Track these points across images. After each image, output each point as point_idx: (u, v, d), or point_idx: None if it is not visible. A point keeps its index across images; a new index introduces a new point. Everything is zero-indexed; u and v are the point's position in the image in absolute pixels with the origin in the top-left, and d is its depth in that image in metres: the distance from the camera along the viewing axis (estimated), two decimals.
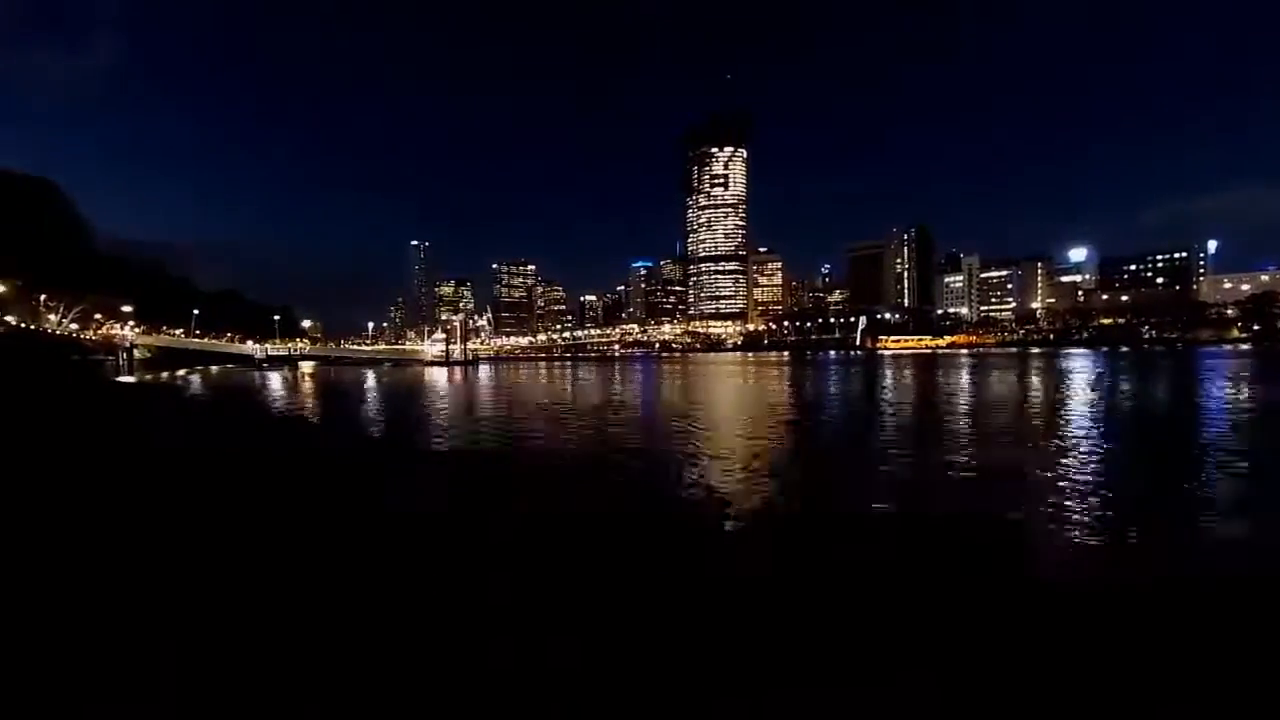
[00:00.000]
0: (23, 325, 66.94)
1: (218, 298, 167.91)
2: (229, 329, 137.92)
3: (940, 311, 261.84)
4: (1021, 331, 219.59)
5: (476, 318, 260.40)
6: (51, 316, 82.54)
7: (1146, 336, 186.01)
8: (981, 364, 76.24)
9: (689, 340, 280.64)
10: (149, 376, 77.03)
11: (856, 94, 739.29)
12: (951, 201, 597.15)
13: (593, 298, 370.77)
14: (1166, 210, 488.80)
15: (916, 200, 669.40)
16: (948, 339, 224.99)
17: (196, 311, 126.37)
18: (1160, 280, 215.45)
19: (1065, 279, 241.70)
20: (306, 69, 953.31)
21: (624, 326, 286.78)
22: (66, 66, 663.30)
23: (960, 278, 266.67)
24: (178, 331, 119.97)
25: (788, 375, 62.72)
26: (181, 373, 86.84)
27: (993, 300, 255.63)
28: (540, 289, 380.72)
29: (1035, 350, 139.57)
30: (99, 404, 38.03)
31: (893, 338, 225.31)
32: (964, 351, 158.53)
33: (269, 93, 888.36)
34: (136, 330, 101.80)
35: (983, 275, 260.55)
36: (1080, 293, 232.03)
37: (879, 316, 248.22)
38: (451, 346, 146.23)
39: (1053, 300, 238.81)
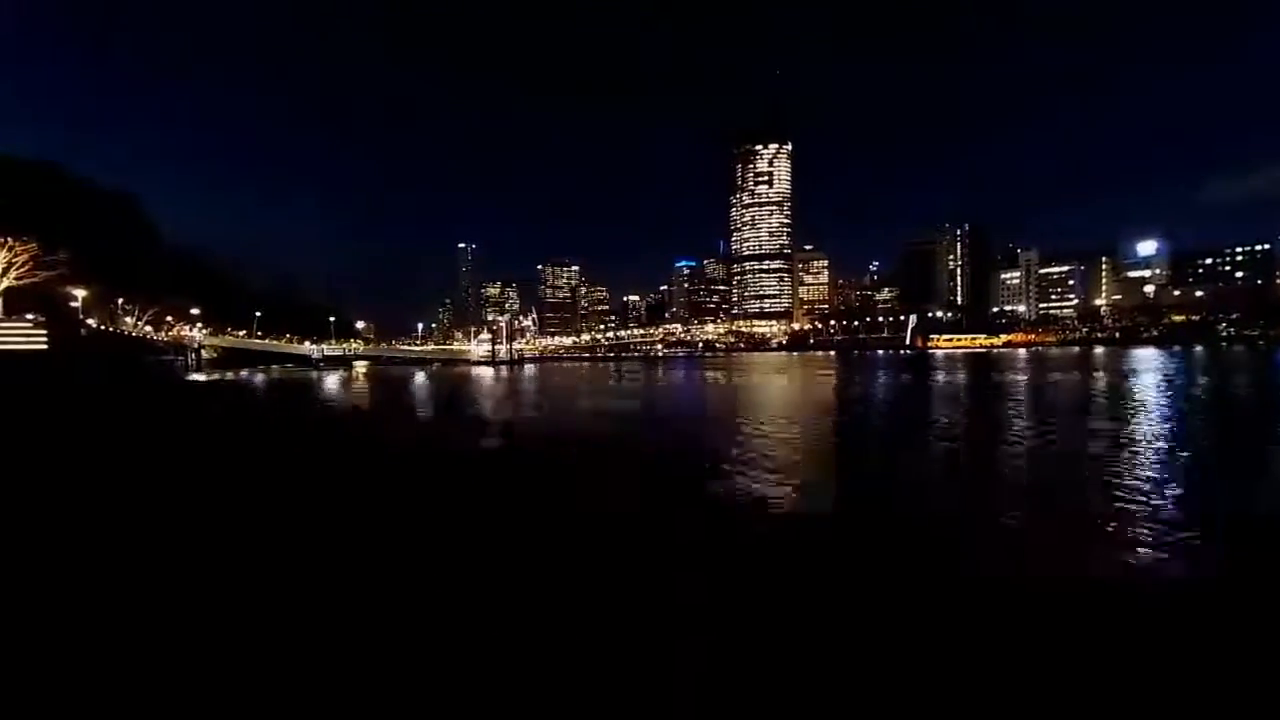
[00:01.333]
0: (103, 327, 71.37)
1: (277, 298, 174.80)
2: (287, 330, 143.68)
3: (996, 309, 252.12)
4: (1085, 330, 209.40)
5: (522, 318, 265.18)
6: (128, 319, 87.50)
7: (1224, 335, 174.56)
8: (1057, 362, 72.27)
9: (732, 340, 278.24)
10: (215, 375, 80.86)
11: (906, 86, 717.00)
12: (1006, 196, 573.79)
13: (636, 297, 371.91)
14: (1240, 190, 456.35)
15: (970, 195, 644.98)
16: (1004, 338, 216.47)
17: (259, 314, 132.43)
18: (1239, 275, 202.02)
19: (1133, 274, 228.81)
20: (363, 74, 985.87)
21: (667, 326, 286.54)
22: (134, 73, 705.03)
23: (1017, 274, 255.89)
24: (240, 333, 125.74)
25: (846, 373, 61.22)
26: (244, 373, 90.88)
27: (1053, 298, 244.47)
28: (584, 289, 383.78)
29: (1101, 350, 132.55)
30: (205, 401, 39.74)
31: (944, 336, 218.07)
32: (1022, 351, 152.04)
33: (329, 100, 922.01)
34: (204, 332, 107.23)
35: (1042, 271, 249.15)
36: (1150, 288, 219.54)
37: (930, 315, 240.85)
38: (497, 346, 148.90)
39: (1119, 297, 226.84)
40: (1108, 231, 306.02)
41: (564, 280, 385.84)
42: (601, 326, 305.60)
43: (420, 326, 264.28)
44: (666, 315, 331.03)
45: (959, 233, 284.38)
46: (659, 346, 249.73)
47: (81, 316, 63.38)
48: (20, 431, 19.20)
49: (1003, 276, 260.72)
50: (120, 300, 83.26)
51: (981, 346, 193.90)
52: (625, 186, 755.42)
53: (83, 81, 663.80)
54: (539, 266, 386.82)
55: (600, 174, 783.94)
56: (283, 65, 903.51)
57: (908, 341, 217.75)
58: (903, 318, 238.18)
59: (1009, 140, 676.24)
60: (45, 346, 44.65)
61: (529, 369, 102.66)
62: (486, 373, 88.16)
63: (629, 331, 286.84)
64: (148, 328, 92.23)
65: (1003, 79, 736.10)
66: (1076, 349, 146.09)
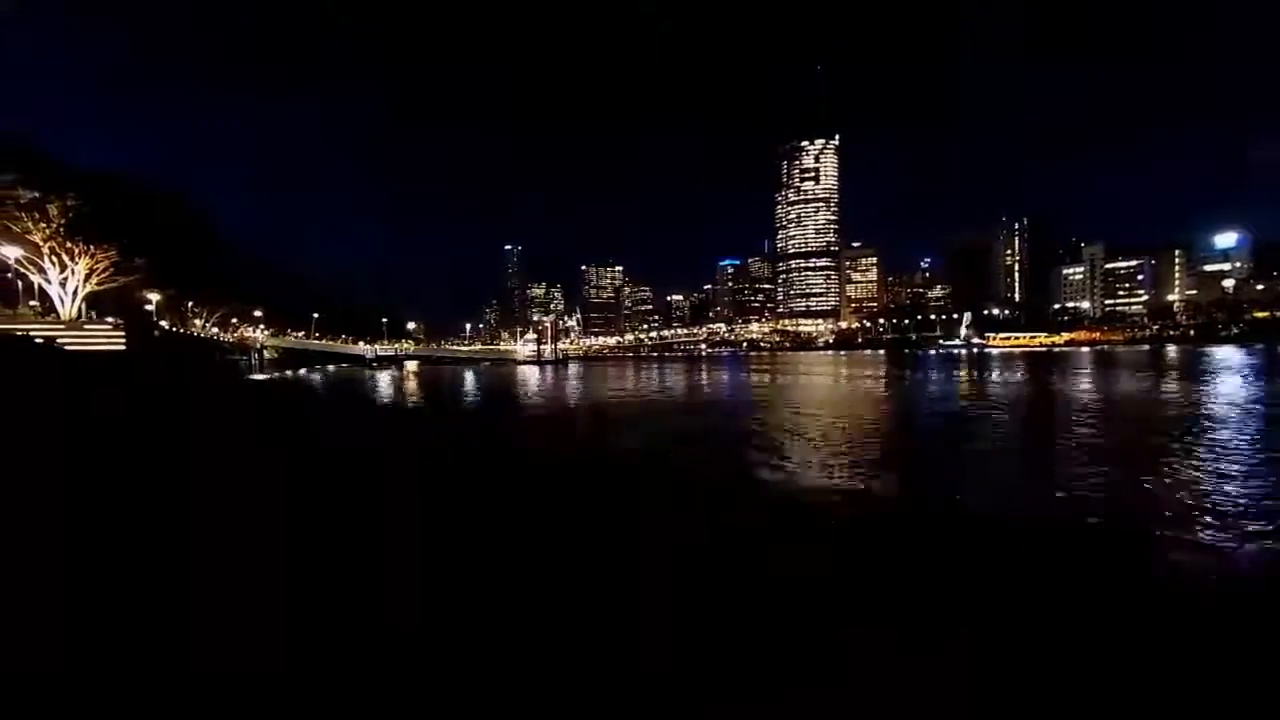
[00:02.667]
0: (175, 329, 75.67)
1: (333, 300, 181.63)
2: (342, 330, 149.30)
3: (1057, 306, 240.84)
4: (1155, 327, 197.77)
5: (566, 318, 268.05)
6: (197, 321, 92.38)
7: None
8: (1135, 361, 67.62)
9: (778, 339, 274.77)
10: (276, 374, 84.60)
11: (955, 74, 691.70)
12: (1066, 188, 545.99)
13: (679, 297, 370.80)
14: None
15: (1027, 187, 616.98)
16: (1066, 336, 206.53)
17: (316, 315, 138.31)
18: None
19: (1210, 268, 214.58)
20: (421, 79, 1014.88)
21: (711, 326, 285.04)
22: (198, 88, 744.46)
23: (1081, 269, 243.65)
24: (299, 334, 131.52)
25: (911, 373, 59.24)
26: (303, 371, 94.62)
27: (1120, 294, 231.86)
28: (627, 289, 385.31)
29: (1174, 348, 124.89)
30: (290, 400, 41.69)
31: (1001, 335, 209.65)
32: (1085, 349, 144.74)
33: (388, 105, 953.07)
34: (266, 333, 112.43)
35: (1108, 266, 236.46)
36: (1229, 283, 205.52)
37: (985, 312, 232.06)
38: (543, 346, 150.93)
39: (1193, 292, 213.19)
40: (1179, 223, 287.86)
41: (607, 280, 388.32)
42: (645, 326, 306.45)
43: (468, 327, 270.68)
44: (710, 315, 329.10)
45: (1016, 227, 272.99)
46: (703, 346, 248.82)
47: (155, 319, 67.23)
48: (125, 426, 20.36)
49: (1065, 272, 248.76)
50: (190, 303, 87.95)
51: (1041, 345, 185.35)
52: (669, 186, 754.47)
53: (154, 89, 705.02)
54: (583, 267, 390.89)
55: (643, 174, 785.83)
56: (345, 68, 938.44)
57: (961, 340, 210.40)
58: (956, 315, 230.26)
59: (1069, 126, 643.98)
60: (124, 347, 47.37)
61: (574, 368, 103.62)
62: (532, 372, 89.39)
63: (672, 331, 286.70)
64: (215, 329, 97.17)
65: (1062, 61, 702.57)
66: (1146, 347, 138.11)
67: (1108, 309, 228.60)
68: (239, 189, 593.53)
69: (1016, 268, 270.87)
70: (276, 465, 13.09)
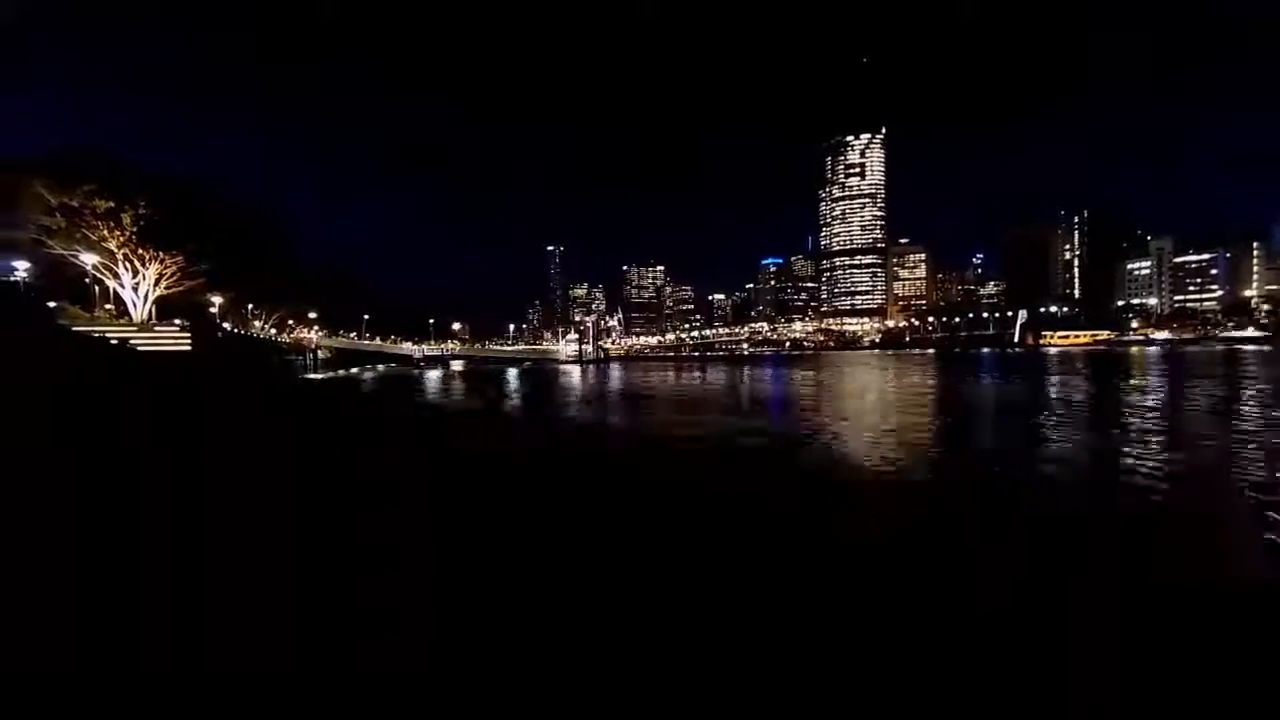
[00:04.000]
0: (236, 330, 79.46)
1: (381, 300, 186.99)
2: (390, 331, 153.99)
3: (1121, 303, 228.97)
4: (1231, 324, 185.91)
5: (608, 318, 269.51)
6: (256, 323, 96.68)
7: None
8: (1211, 362, 59.19)
9: (821, 339, 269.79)
10: (333, 373, 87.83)
11: (1010, 59, 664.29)
12: (1129, 180, 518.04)
13: (721, 296, 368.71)
14: None
15: (1088, 178, 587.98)
16: (1130, 334, 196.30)
17: (366, 316, 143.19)
18: None
19: None
20: (466, 85, 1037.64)
21: (753, 325, 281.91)
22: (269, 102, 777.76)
23: (1148, 264, 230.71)
24: (351, 334, 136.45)
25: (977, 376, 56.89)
26: (354, 370, 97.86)
27: (1190, 289, 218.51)
28: (669, 289, 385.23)
29: (1251, 347, 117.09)
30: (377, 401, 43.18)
31: (1059, 333, 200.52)
32: (1153, 349, 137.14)
33: (440, 110, 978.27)
34: (320, 334, 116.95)
35: (1177, 260, 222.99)
36: None
37: (1042, 309, 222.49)
38: (584, 346, 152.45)
39: (1274, 287, 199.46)
40: (1252, 215, 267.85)
41: (649, 280, 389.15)
42: (686, 326, 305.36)
43: (511, 328, 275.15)
44: (752, 314, 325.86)
45: (1076, 220, 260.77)
46: (745, 345, 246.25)
47: (219, 320, 70.65)
48: (200, 418, 21.49)
49: (1129, 267, 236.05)
50: (250, 305, 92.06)
51: (1102, 343, 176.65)
52: (711, 185, 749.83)
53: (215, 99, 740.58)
54: (624, 267, 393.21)
55: (685, 174, 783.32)
56: (402, 84, 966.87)
57: (1016, 339, 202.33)
58: (1010, 313, 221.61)
59: (1134, 110, 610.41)
60: (190, 348, 49.95)
61: (615, 368, 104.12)
62: (575, 370, 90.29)
63: (714, 330, 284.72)
64: (273, 330, 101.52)
65: (1128, 45, 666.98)
66: (1219, 347, 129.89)
67: (1176, 305, 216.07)
68: (296, 192, 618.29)
69: (1076, 263, 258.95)
70: (421, 467, 14.05)
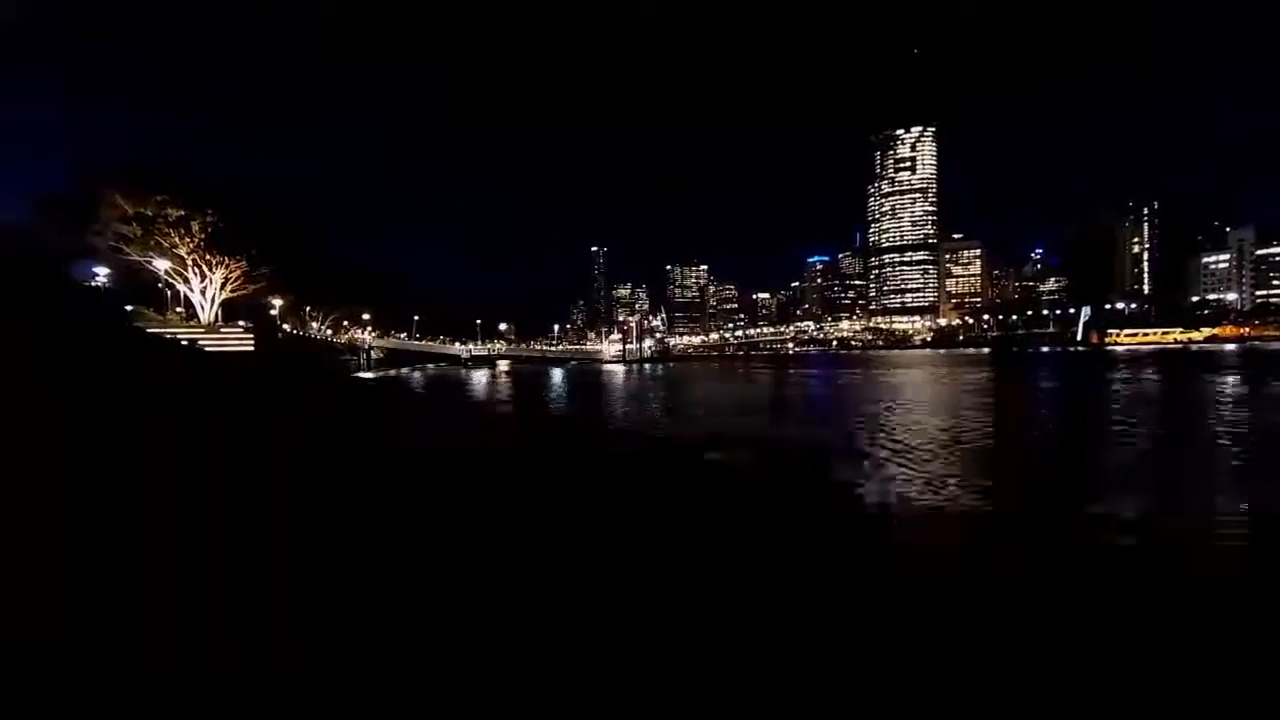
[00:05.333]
0: (295, 331, 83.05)
1: (430, 300, 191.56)
2: (439, 331, 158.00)
3: (1196, 299, 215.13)
4: None
5: (651, 318, 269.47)
6: (313, 324, 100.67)
7: None
8: None
9: (869, 337, 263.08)
10: (385, 372, 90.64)
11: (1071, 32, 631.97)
12: (1202, 168, 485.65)
13: (765, 295, 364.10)
14: None
15: (1156, 169, 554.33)
16: (1206, 331, 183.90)
17: (416, 318, 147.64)
18: None
19: None
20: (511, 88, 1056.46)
21: (798, 324, 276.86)
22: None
23: (1226, 257, 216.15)
24: (401, 335, 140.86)
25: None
26: (405, 370, 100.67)
27: (1275, 283, 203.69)
28: (712, 288, 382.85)
29: None
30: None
31: (1127, 331, 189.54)
32: (1230, 346, 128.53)
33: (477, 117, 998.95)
34: (373, 335, 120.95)
35: (1260, 253, 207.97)
36: None
37: (1107, 306, 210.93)
38: (628, 346, 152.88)
39: None
40: None
41: (692, 280, 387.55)
42: (730, 325, 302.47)
43: (555, 328, 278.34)
44: (797, 313, 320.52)
45: (1146, 211, 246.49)
46: (790, 345, 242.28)
47: (279, 322, 73.78)
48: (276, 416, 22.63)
49: (1205, 260, 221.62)
50: (307, 308, 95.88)
51: (1176, 342, 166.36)
52: (755, 184, 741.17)
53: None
54: (668, 267, 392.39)
55: (729, 172, 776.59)
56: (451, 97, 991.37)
57: (1079, 337, 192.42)
58: (1072, 310, 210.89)
59: (1206, 93, 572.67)
60: (253, 348, 52.31)
61: (658, 368, 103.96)
62: (619, 370, 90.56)
63: (758, 330, 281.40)
64: (328, 331, 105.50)
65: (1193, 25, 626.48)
66: None
67: (1260, 300, 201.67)
68: (348, 203, 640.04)
69: (1145, 257, 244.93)
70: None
